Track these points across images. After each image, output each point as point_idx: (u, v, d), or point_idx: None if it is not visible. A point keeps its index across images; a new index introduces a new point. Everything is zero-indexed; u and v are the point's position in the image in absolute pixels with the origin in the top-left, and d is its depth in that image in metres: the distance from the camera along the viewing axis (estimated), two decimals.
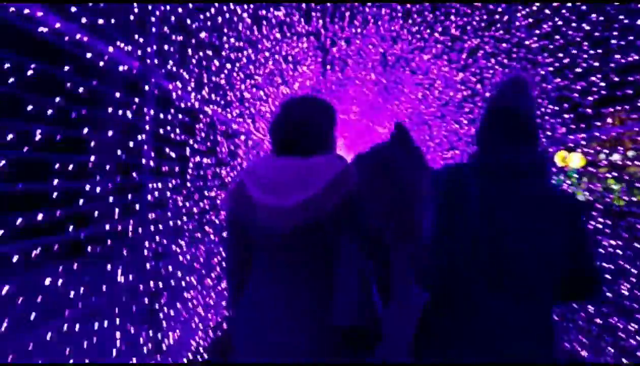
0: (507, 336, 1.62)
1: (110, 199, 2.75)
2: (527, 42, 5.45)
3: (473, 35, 6.36)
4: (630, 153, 5.11)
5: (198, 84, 4.08)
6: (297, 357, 1.65)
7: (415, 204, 2.14)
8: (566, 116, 5.13)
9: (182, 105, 3.65)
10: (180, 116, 3.67)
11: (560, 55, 4.97)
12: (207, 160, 4.42)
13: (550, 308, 1.74)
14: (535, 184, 1.73)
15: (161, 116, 3.39)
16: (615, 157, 4.99)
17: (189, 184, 3.94)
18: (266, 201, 1.68)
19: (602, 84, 4.52)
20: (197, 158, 4.00)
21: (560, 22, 4.80)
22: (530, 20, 5.25)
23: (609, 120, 4.67)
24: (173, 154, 3.61)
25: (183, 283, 3.91)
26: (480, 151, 1.89)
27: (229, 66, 4.87)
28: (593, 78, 4.56)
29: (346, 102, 12.21)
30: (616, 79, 4.31)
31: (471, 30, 6.30)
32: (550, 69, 5.27)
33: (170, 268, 3.58)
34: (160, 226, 3.37)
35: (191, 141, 3.96)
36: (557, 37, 4.92)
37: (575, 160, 9.59)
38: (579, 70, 4.75)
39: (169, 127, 3.44)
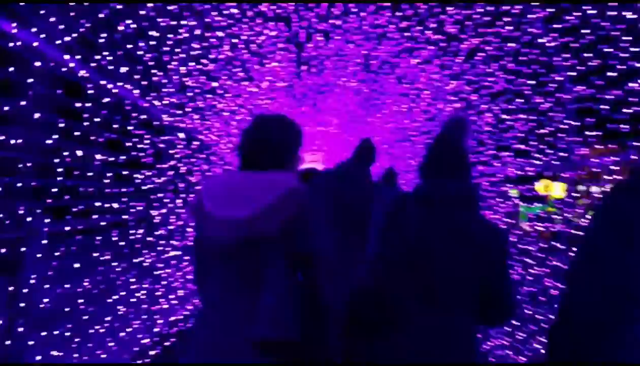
0: (431, 349, 1.77)
1: None
2: (542, 40, 4.30)
3: (473, 32, 5.19)
4: None
5: (86, 43, 2.79)
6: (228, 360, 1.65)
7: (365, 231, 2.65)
8: (589, 132, 3.97)
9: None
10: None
11: (588, 55, 3.82)
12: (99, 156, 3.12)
13: (472, 325, 1.89)
14: (463, 213, 1.91)
15: None
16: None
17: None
18: (215, 213, 1.73)
19: None
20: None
21: (591, 11, 3.66)
22: (549, 10, 4.09)
23: None
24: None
25: None
26: (421, 181, 2.07)
27: (154, 33, 3.62)
28: (634, 84, 3.40)
29: (325, 111, 10.97)
30: None
31: (471, 26, 5.14)
32: (571, 74, 4.11)
33: None
34: None
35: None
36: (585, 31, 3.78)
37: (557, 189, 8.72)
38: (612, 74, 3.59)
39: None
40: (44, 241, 2.62)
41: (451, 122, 2.07)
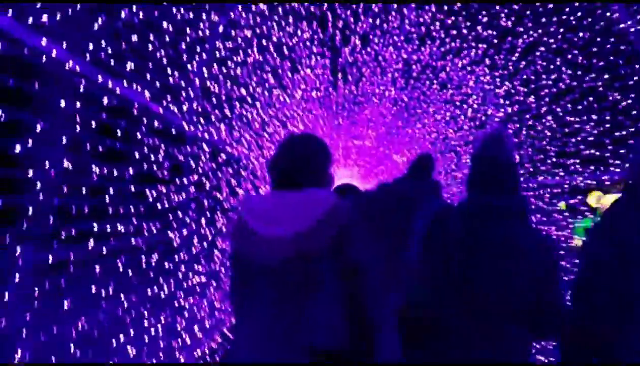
0: (475, 359, 1.76)
1: None
2: (623, 25, 3.59)
3: (532, 24, 4.51)
4: None
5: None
6: None
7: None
8: None
9: None
10: None
11: None
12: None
13: (524, 342, 1.88)
14: (513, 226, 1.87)
15: None
16: None
17: None
18: (261, 231, 1.76)
19: None
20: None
21: None
22: None
23: None
24: None
25: None
26: (467, 194, 2.02)
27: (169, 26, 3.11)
28: None
29: (361, 124, 10.40)
30: None
31: (530, 16, 4.46)
32: None
33: None
34: None
35: None
36: None
37: (610, 201, 7.83)
38: None
39: None
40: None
41: (488, 138, 2.03)
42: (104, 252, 2.58)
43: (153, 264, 3.06)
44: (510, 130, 6.15)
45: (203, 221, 4.07)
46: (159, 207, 3.13)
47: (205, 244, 4.14)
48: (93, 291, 2.53)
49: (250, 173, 5.76)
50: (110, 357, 2.66)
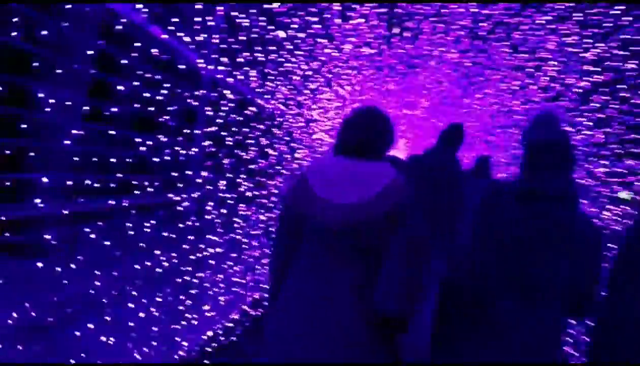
0: (516, 338, 1.79)
1: None
2: None
3: None
4: None
5: None
6: (331, 337, 1.74)
7: (455, 213, 2.83)
8: None
9: None
10: None
11: None
12: None
13: (559, 318, 1.89)
14: (563, 209, 1.86)
15: None
16: None
17: None
18: (325, 197, 1.83)
19: None
20: None
21: None
22: None
23: None
24: None
25: None
26: (520, 176, 2.00)
27: None
28: None
29: (415, 91, 9.42)
30: None
31: None
32: None
33: None
34: None
35: None
36: None
37: None
38: None
39: None
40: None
41: (540, 120, 2.03)
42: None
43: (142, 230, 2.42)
44: (597, 104, 5.11)
45: (221, 183, 3.40)
46: (157, 160, 2.45)
47: (222, 211, 3.48)
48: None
49: (286, 133, 5.02)
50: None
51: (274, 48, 4.11)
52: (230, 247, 3.81)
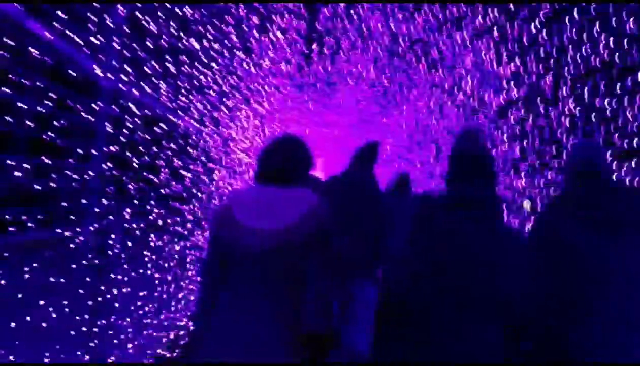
0: (452, 346, 1.78)
1: None
2: None
3: None
4: None
5: None
6: (258, 358, 1.78)
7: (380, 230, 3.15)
8: None
9: None
10: None
11: None
12: None
13: (496, 335, 1.84)
14: (487, 218, 1.92)
15: None
16: None
17: None
18: (247, 223, 1.87)
19: None
20: None
21: None
22: None
23: None
24: None
25: None
26: (446, 188, 2.05)
27: None
28: None
29: (333, 109, 9.30)
30: None
31: None
32: None
33: None
34: None
35: None
36: None
37: None
38: None
39: None
40: None
41: (464, 135, 2.12)
42: None
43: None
44: (515, 117, 5.17)
45: (127, 212, 2.90)
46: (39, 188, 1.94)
47: (128, 244, 2.97)
48: None
49: (202, 153, 4.57)
50: None
51: (186, 60, 3.69)
52: (140, 284, 3.29)
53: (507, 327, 1.90)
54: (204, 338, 1.90)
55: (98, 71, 2.37)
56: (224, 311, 1.91)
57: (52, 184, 1.97)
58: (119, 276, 2.90)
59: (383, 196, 4.35)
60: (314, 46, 6.07)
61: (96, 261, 2.57)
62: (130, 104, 2.80)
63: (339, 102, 8.57)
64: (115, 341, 2.97)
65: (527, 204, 5.35)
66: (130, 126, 2.83)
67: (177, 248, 4.19)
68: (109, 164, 2.58)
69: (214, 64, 4.19)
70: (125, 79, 2.71)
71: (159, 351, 3.88)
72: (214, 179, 5.29)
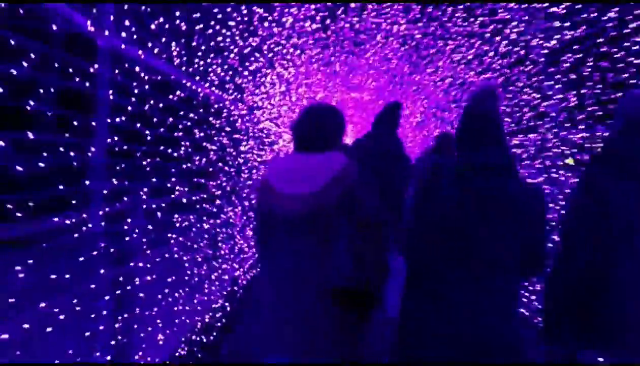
0: (472, 310, 1.80)
1: None
2: None
3: None
4: None
5: None
6: (300, 310, 1.90)
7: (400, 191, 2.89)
8: None
9: None
10: None
11: None
12: None
13: (513, 286, 1.92)
14: (503, 180, 1.90)
15: None
16: None
17: None
18: (283, 190, 1.96)
19: None
20: None
21: None
22: None
23: None
24: None
25: None
26: (458, 150, 2.04)
27: None
28: None
29: (361, 70, 8.78)
30: None
31: None
32: None
33: None
34: None
35: None
36: None
37: None
38: None
39: None
40: None
41: (480, 94, 2.06)
42: None
43: None
44: (569, 63, 4.56)
45: (143, 192, 2.55)
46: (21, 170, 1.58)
47: (149, 227, 2.63)
48: None
49: (226, 123, 4.19)
50: None
51: (200, 15, 3.26)
52: (166, 270, 2.96)
53: (532, 273, 2.04)
54: (257, 289, 2.06)
55: (92, 28, 1.97)
56: (269, 272, 2.05)
57: (40, 164, 1.61)
58: (141, 264, 2.57)
59: (407, 159, 4.24)
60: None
61: (111, 250, 2.22)
62: (137, 69, 2.41)
63: (367, 63, 8.04)
64: (142, 334, 2.67)
65: (570, 160, 4.88)
66: (139, 94, 2.44)
67: (206, 226, 3.86)
68: (115, 138, 2.20)
69: (231, 22, 3.75)
70: (126, 37, 2.31)
71: (191, 336, 3.61)
72: (242, 150, 4.91)
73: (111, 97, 2.13)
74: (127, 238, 2.41)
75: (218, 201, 4.11)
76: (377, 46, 7.28)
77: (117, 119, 2.20)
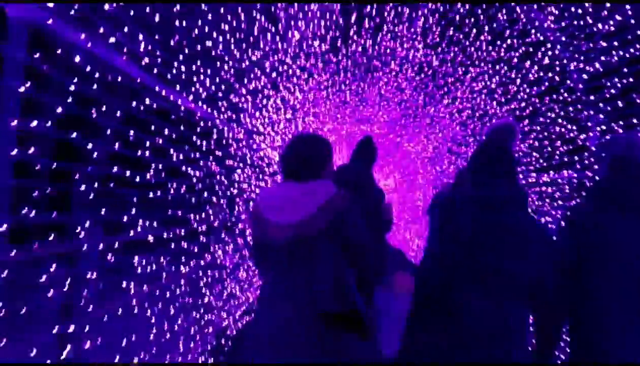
0: (486, 335, 1.85)
1: None
2: None
3: None
4: None
5: None
6: (290, 334, 1.90)
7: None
8: None
9: None
10: None
11: None
12: None
13: (524, 314, 1.97)
14: (515, 214, 1.96)
15: None
16: None
17: None
18: (271, 219, 1.99)
19: None
20: None
21: None
22: None
23: None
24: None
25: None
26: (471, 184, 2.10)
27: None
28: None
29: (371, 101, 8.25)
30: None
31: None
32: None
33: None
34: None
35: None
36: None
37: None
38: None
39: None
40: None
41: (500, 127, 2.21)
42: None
43: None
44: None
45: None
46: None
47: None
48: None
49: (216, 146, 3.51)
50: None
51: (186, 11, 2.62)
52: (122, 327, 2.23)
53: (539, 303, 1.96)
54: (253, 323, 2.06)
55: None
56: (264, 299, 2.07)
57: None
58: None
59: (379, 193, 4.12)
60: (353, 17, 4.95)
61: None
62: (75, 58, 1.73)
63: (379, 92, 7.46)
64: None
65: None
66: (75, 91, 1.76)
67: (184, 270, 3.13)
68: (31, 149, 1.51)
69: (225, 26, 3.13)
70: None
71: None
72: (236, 180, 4.20)
73: (23, 89, 1.44)
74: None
75: (203, 238, 3.38)
76: (390, 75, 6.70)
77: (35, 123, 1.51)
